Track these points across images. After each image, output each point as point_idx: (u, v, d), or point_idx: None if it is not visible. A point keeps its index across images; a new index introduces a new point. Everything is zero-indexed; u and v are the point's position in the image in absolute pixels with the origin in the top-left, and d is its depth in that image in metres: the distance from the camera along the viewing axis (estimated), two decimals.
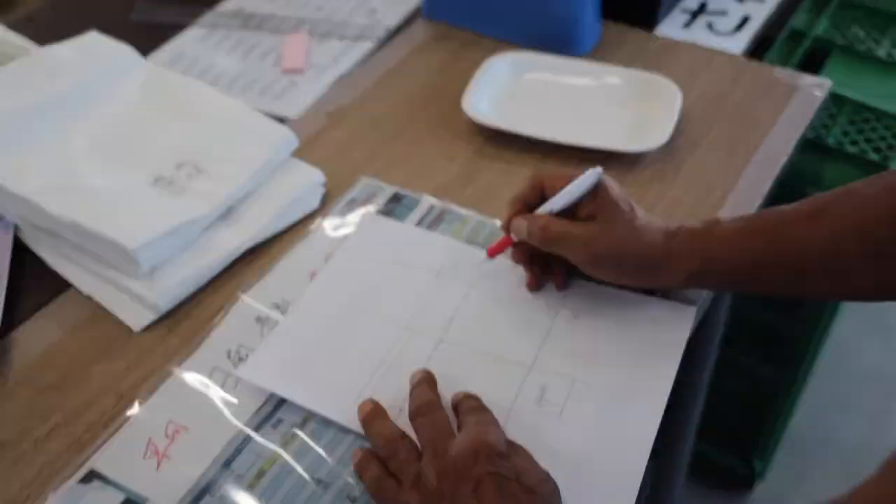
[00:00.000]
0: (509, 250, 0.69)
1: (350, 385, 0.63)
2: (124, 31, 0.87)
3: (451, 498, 0.52)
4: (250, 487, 0.57)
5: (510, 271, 0.70)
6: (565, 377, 0.63)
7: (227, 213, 0.74)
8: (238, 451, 0.59)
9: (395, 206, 0.77)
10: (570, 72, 0.90)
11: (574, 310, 0.68)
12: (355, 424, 0.60)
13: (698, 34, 1.00)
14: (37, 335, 0.68)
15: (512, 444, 0.57)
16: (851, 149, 0.98)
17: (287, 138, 0.78)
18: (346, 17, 1.02)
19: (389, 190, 0.79)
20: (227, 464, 0.58)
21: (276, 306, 0.69)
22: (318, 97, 0.91)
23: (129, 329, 0.68)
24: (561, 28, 0.93)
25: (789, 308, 1.14)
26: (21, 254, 0.73)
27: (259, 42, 0.99)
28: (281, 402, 0.62)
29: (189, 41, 0.99)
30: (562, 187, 0.65)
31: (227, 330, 0.67)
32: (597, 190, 0.64)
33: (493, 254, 0.68)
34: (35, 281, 0.72)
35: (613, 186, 0.64)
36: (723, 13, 1.03)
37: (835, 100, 1.03)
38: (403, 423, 0.59)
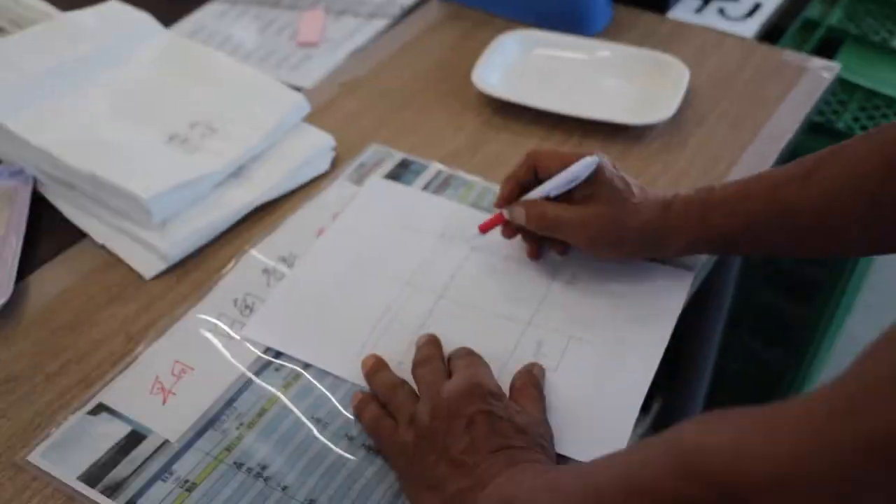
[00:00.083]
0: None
1: (351, 339, 0.64)
2: (147, 4, 0.89)
3: (444, 434, 0.53)
4: (251, 424, 0.59)
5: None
6: (562, 333, 0.65)
7: (238, 172, 0.76)
8: (241, 390, 0.61)
9: (402, 172, 0.79)
10: (578, 49, 0.92)
11: (572, 273, 0.69)
12: (355, 378, 0.62)
13: (709, 19, 1.01)
14: (51, 280, 0.70)
15: (520, 385, 0.59)
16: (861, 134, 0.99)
17: (299, 103, 0.80)
18: None
19: (398, 156, 0.81)
20: (230, 402, 0.60)
21: (283, 259, 0.70)
22: (333, 69, 0.93)
23: (140, 277, 0.70)
24: (572, 7, 0.95)
25: (798, 290, 1.14)
26: (39, 205, 0.75)
27: (276, 17, 1.01)
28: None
29: (208, 15, 1.02)
30: (556, 168, 0.65)
31: (235, 279, 0.69)
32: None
33: (485, 230, 0.69)
34: (52, 231, 0.74)
35: (608, 165, 0.65)
36: None
37: (846, 87, 1.04)
38: (402, 375, 0.61)
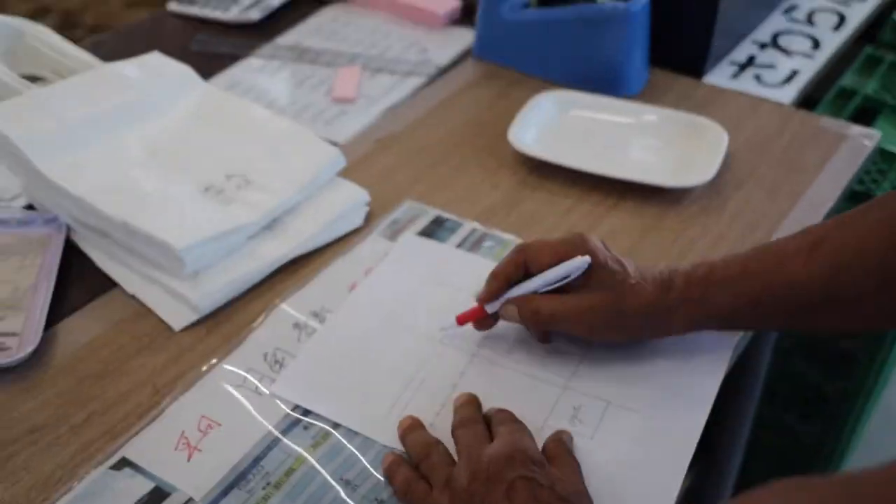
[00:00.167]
0: None
1: (382, 398, 0.63)
2: (183, 59, 0.89)
3: (482, 499, 0.51)
4: (278, 485, 0.57)
5: None
6: (599, 399, 0.62)
7: (272, 224, 0.76)
8: (269, 448, 0.59)
9: (436, 228, 0.78)
10: (615, 111, 0.91)
11: None
12: (385, 438, 0.60)
13: (746, 85, 1.01)
14: (80, 329, 0.69)
15: (556, 454, 0.57)
16: None
17: (335, 157, 0.80)
18: (399, 55, 1.05)
19: (432, 212, 0.80)
20: (257, 460, 0.58)
21: (315, 314, 0.69)
22: (368, 125, 0.93)
23: (169, 328, 0.69)
24: (608, 71, 0.95)
25: (834, 363, 1.11)
26: (71, 253, 0.75)
27: (313, 73, 1.02)
28: None
29: (245, 70, 1.03)
30: (547, 261, 0.62)
31: (265, 333, 0.68)
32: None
33: (462, 322, 0.66)
34: (82, 279, 0.73)
35: (600, 248, 0.62)
36: (771, 66, 1.04)
37: (885, 156, 1.03)
38: (436, 435, 0.59)
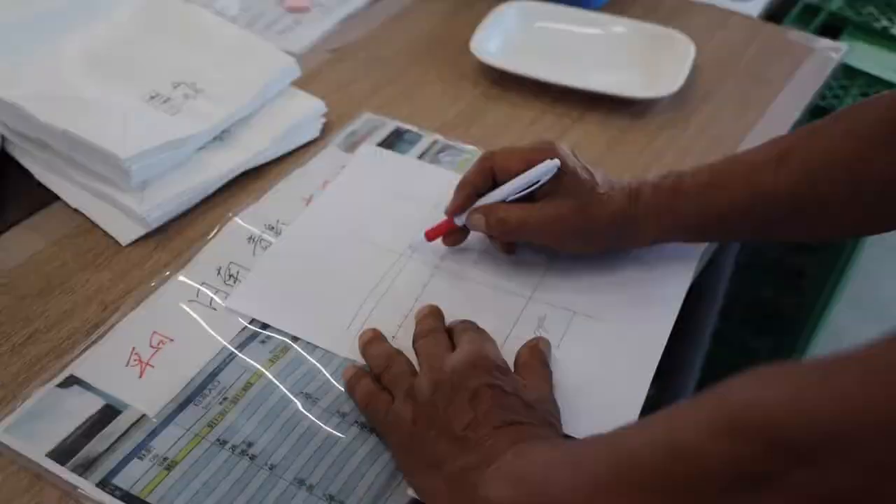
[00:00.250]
0: None
1: (342, 311, 0.60)
2: None
3: (445, 408, 0.50)
4: (235, 399, 0.54)
5: None
6: (564, 310, 0.61)
7: (223, 135, 0.72)
8: (225, 363, 0.57)
9: (396, 141, 0.75)
10: (581, 22, 0.88)
11: None
12: (346, 352, 0.58)
13: None
14: (20, 245, 0.65)
15: (526, 361, 0.56)
16: None
17: (288, 66, 0.76)
18: None
19: (391, 124, 0.77)
20: (213, 375, 0.56)
21: (270, 227, 0.66)
22: (323, 36, 0.89)
23: (116, 243, 0.65)
24: None
25: (787, 279, 1.12)
26: (7, 165, 0.71)
27: None
28: None
29: None
30: (516, 168, 0.60)
31: (218, 247, 0.65)
32: None
33: (431, 237, 0.63)
34: (21, 193, 0.69)
35: (569, 155, 0.60)
36: None
37: (847, 72, 1.02)
38: (398, 347, 0.57)
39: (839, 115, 0.58)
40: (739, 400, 0.35)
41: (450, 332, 0.58)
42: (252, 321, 0.59)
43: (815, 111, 0.88)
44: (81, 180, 0.68)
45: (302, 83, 0.78)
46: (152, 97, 0.71)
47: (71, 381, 0.55)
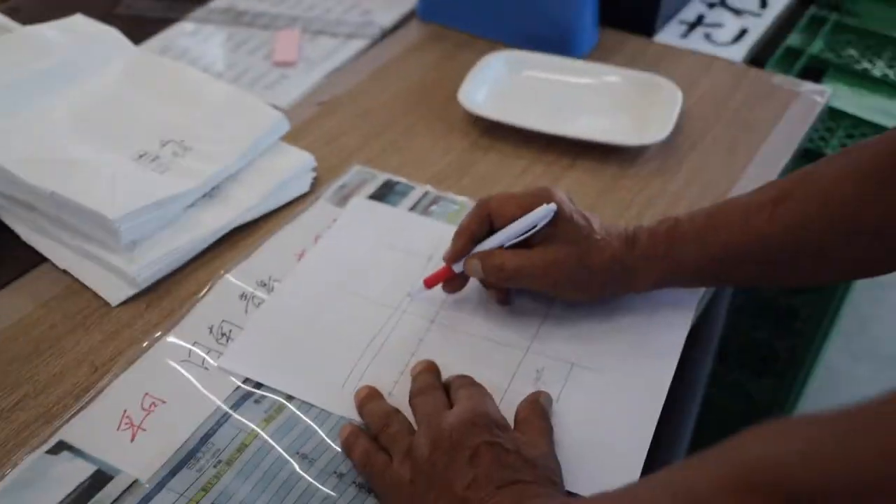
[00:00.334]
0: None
1: (336, 368, 0.60)
2: (110, 24, 0.84)
3: (444, 468, 0.49)
4: (230, 462, 0.53)
5: None
6: (563, 361, 0.60)
7: (213, 192, 0.71)
8: (218, 424, 0.55)
9: (387, 193, 0.75)
10: (568, 71, 0.89)
11: None
12: (342, 410, 0.57)
13: (696, 44, 0.99)
14: (7, 308, 0.64)
15: (526, 417, 0.55)
16: None
17: (277, 120, 0.76)
18: (340, 16, 1.00)
19: (382, 177, 0.76)
20: (206, 437, 0.55)
21: (262, 284, 0.66)
22: (310, 89, 0.89)
23: (105, 304, 0.64)
24: (558, 31, 0.92)
25: (781, 320, 1.12)
26: None
27: (250, 37, 0.97)
28: None
29: (177, 34, 0.97)
30: (511, 214, 0.60)
31: (210, 306, 0.64)
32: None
33: (430, 284, 0.63)
34: (7, 255, 0.68)
35: (566, 201, 0.60)
36: (720, 25, 1.03)
37: (832, 114, 1.03)
38: (395, 404, 0.56)
39: (833, 157, 0.58)
40: (751, 455, 0.35)
41: (447, 388, 0.57)
42: (246, 380, 0.58)
43: (804, 154, 0.89)
44: (70, 241, 0.67)
45: (290, 137, 0.78)
46: (141, 156, 0.71)
47: (61, 447, 0.54)
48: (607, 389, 0.59)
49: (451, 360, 0.60)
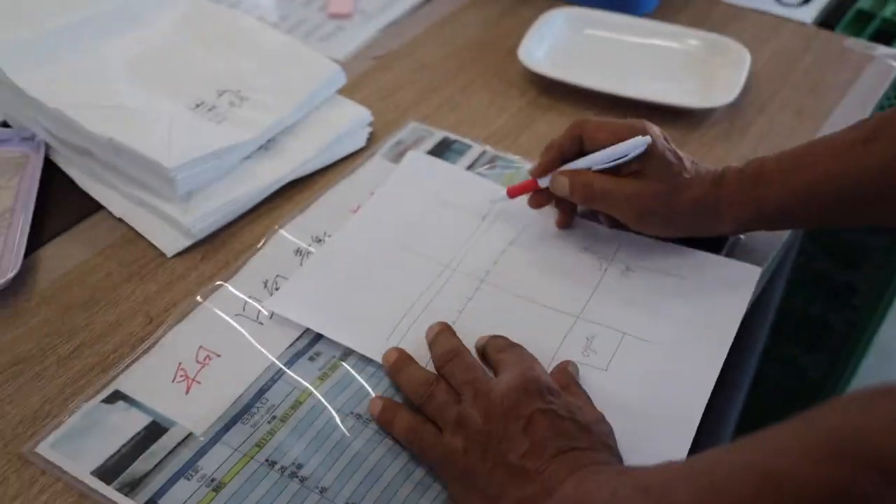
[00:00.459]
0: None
1: (384, 320, 0.58)
2: None
3: (499, 438, 0.48)
4: (285, 418, 0.53)
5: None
6: (614, 330, 0.59)
7: (269, 145, 0.70)
8: (273, 380, 0.55)
9: (444, 151, 0.73)
10: (630, 29, 0.86)
11: (626, 264, 0.63)
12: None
13: (764, 4, 0.95)
14: (64, 255, 0.64)
15: (565, 384, 0.53)
16: None
17: (335, 73, 0.75)
18: None
19: (439, 134, 0.75)
20: (261, 392, 0.54)
21: (317, 239, 0.65)
22: (366, 42, 0.87)
23: (161, 254, 0.64)
24: None
25: (838, 296, 1.09)
26: (51, 174, 0.70)
27: None
28: (319, 335, 0.58)
29: None
30: (604, 140, 0.60)
31: (265, 260, 0.63)
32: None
33: (514, 194, 0.64)
34: (65, 202, 0.68)
35: (660, 138, 0.60)
36: None
37: None
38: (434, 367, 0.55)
39: None
40: (840, 424, 0.34)
41: (480, 351, 0.56)
42: (300, 336, 0.58)
43: None
44: (125, 189, 0.66)
45: (345, 91, 0.77)
46: (197, 105, 0.70)
47: (117, 397, 0.54)
48: (659, 361, 0.57)
49: (498, 321, 0.58)
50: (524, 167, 0.71)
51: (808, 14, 0.95)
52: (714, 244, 0.64)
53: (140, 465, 0.50)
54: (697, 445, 0.55)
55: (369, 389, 0.55)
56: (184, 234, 0.64)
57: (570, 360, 0.56)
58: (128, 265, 0.63)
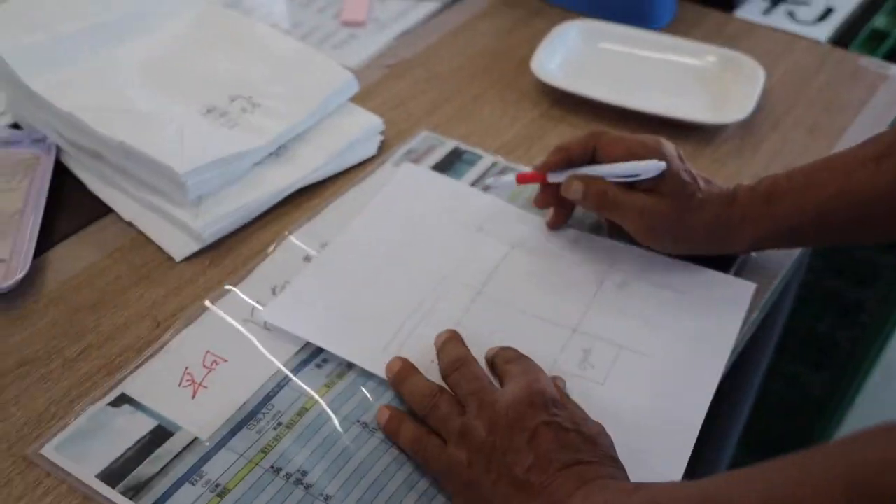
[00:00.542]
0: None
1: (380, 332, 0.58)
2: None
3: (503, 450, 0.47)
4: (290, 425, 0.52)
5: (556, 234, 0.66)
6: (611, 343, 0.58)
7: (280, 151, 0.70)
8: (279, 386, 0.55)
9: (455, 161, 0.73)
10: (644, 43, 0.86)
11: (623, 276, 0.63)
12: (382, 372, 0.55)
13: (778, 21, 0.95)
14: (73, 257, 0.64)
15: (564, 395, 0.53)
16: None
17: (348, 81, 0.75)
18: None
19: (450, 144, 0.75)
20: (267, 399, 0.54)
21: (325, 246, 0.64)
22: (379, 51, 0.87)
23: (169, 258, 0.64)
24: (635, 1, 0.89)
25: (845, 313, 1.08)
26: (62, 176, 0.70)
27: None
28: None
29: None
30: (619, 155, 0.60)
31: (274, 266, 0.63)
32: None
33: (522, 181, 0.64)
34: (74, 204, 0.68)
35: (675, 157, 0.60)
36: (804, 3, 0.99)
37: None
38: (435, 377, 0.55)
39: None
40: (866, 459, 0.33)
41: (490, 362, 0.56)
42: (307, 343, 0.57)
43: None
44: (135, 193, 0.66)
45: (357, 99, 0.77)
46: (209, 111, 0.70)
47: (123, 400, 0.54)
48: (656, 375, 0.57)
49: (494, 333, 0.58)
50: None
51: (823, 32, 0.95)
52: (723, 262, 0.64)
53: (145, 469, 0.50)
54: (699, 460, 0.55)
55: (373, 399, 0.54)
56: (193, 238, 0.64)
57: (559, 376, 0.56)
58: (136, 269, 0.63)
